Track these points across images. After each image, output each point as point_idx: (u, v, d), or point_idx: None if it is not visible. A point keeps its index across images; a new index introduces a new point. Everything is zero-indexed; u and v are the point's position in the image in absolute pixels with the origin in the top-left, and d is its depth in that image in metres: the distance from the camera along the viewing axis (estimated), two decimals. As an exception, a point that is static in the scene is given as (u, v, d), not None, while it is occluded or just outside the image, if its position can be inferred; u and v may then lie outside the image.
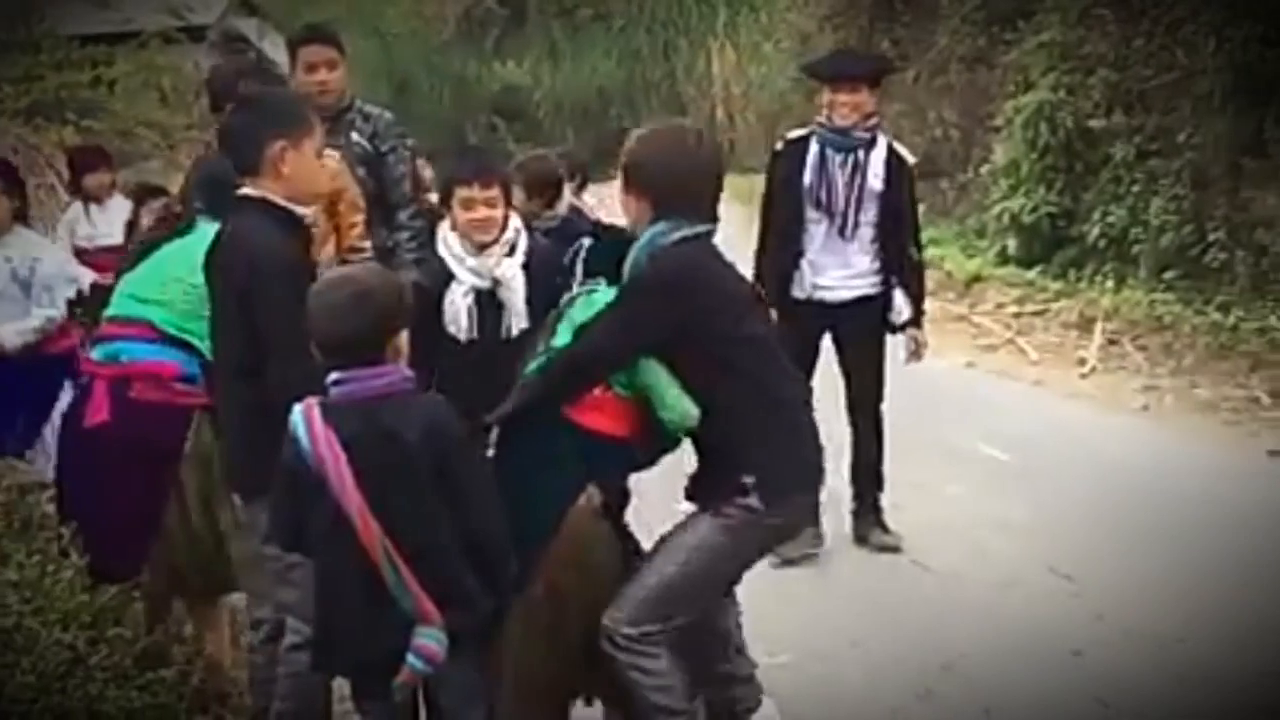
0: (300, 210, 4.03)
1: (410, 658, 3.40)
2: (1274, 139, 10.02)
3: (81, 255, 8.13)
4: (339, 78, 5.83)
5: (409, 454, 3.41)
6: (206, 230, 4.34)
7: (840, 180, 6.18)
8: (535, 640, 3.90)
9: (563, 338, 3.94)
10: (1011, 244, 12.17)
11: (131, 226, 6.03)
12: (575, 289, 4.06)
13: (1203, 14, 10.61)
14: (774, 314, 5.29)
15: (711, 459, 3.99)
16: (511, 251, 4.44)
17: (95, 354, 4.66)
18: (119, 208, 8.01)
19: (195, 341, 4.42)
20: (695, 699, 4.03)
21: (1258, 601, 5.54)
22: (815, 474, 4.08)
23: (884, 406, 6.45)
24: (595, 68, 26.64)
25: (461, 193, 4.41)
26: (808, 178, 6.22)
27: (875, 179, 6.20)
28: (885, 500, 6.52)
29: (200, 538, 4.58)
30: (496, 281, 4.42)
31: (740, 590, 4.25)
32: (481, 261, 4.41)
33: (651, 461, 4.04)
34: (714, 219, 4.00)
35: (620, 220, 4.14)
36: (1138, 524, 6.50)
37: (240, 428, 4.05)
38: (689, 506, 4.03)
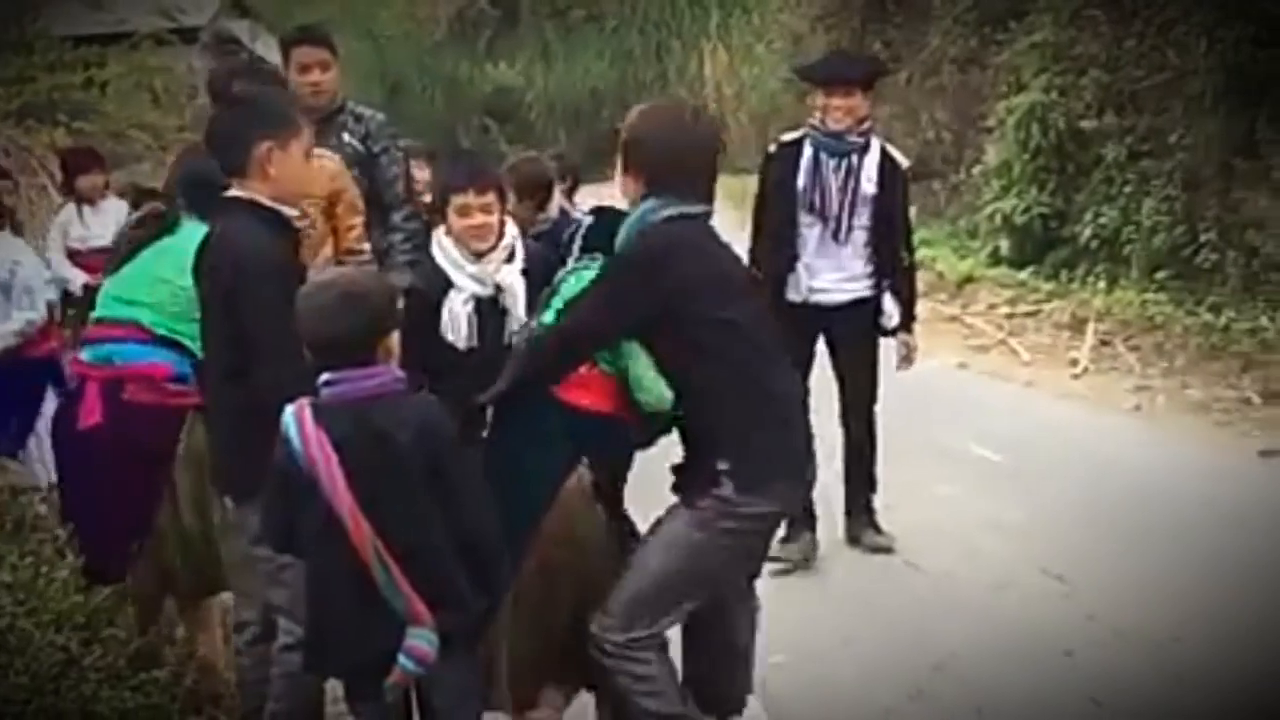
0: (288, 211, 4.03)
1: (401, 658, 3.40)
2: (1265, 140, 10.04)
3: (74, 257, 8.15)
4: (332, 79, 5.82)
5: (400, 454, 3.40)
6: (191, 230, 4.34)
7: (834, 184, 6.17)
8: (525, 618, 3.91)
9: (550, 314, 3.92)
10: (1004, 245, 12.20)
11: None
12: (570, 265, 4.04)
13: (1194, 15, 10.64)
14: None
15: (690, 446, 3.96)
16: (511, 258, 4.33)
17: (86, 356, 4.65)
18: (112, 209, 8.02)
19: (186, 342, 4.41)
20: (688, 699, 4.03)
21: (1250, 602, 5.55)
22: (800, 462, 3.99)
23: (876, 408, 6.46)
24: (588, 69, 26.70)
25: (457, 199, 4.29)
26: (801, 181, 6.20)
27: (869, 183, 6.19)
28: (878, 501, 6.52)
29: (192, 537, 4.58)
30: (498, 288, 4.30)
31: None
32: (482, 268, 4.28)
33: (648, 441, 4.01)
34: (708, 198, 3.95)
35: None
36: (1130, 524, 6.51)
37: (229, 430, 4.05)
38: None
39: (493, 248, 4.29)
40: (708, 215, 3.96)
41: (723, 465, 3.79)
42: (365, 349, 3.47)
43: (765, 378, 3.91)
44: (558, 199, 5.56)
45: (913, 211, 6.77)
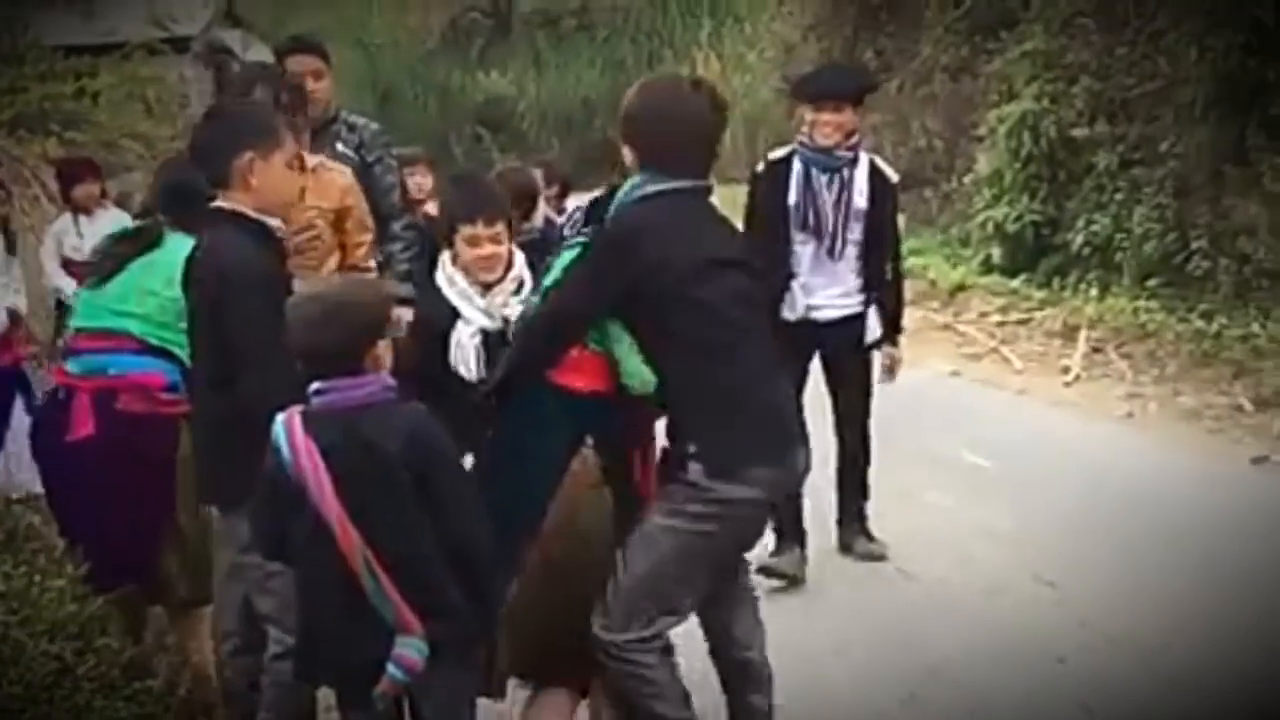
0: (272, 222, 4.04)
1: (390, 667, 3.40)
2: (1256, 147, 10.06)
3: (69, 266, 8.17)
4: (325, 88, 5.83)
5: (389, 463, 3.41)
6: (176, 243, 4.35)
7: (828, 201, 6.12)
8: (528, 605, 3.90)
9: (540, 297, 3.93)
10: (995, 253, 12.21)
11: None
12: (569, 240, 4.03)
13: (1185, 23, 10.66)
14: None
15: (667, 430, 3.92)
16: (518, 289, 4.22)
17: (72, 367, 4.59)
18: (108, 219, 8.03)
19: (177, 350, 4.41)
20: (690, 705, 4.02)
21: (1241, 608, 5.57)
22: (781, 446, 3.89)
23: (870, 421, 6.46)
24: (580, 78, 26.69)
25: (466, 230, 4.17)
26: (793, 198, 6.14)
27: (860, 197, 6.15)
28: (870, 509, 6.52)
29: (189, 542, 4.59)
30: (506, 321, 4.16)
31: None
32: (490, 301, 4.17)
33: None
34: (702, 174, 3.91)
35: None
36: (1122, 531, 6.52)
37: (215, 439, 4.05)
38: None
39: (500, 279, 4.20)
40: (702, 190, 3.92)
41: (691, 449, 3.76)
42: (353, 359, 3.47)
43: (740, 360, 3.83)
44: (542, 208, 5.58)
45: (904, 220, 6.77)
